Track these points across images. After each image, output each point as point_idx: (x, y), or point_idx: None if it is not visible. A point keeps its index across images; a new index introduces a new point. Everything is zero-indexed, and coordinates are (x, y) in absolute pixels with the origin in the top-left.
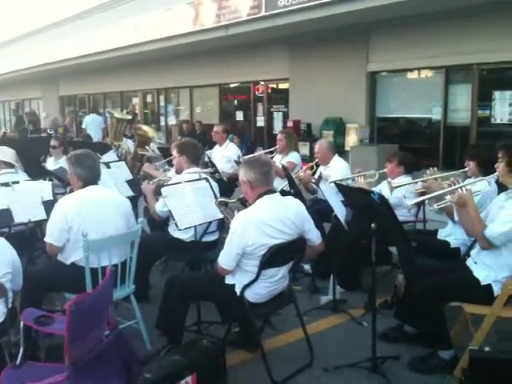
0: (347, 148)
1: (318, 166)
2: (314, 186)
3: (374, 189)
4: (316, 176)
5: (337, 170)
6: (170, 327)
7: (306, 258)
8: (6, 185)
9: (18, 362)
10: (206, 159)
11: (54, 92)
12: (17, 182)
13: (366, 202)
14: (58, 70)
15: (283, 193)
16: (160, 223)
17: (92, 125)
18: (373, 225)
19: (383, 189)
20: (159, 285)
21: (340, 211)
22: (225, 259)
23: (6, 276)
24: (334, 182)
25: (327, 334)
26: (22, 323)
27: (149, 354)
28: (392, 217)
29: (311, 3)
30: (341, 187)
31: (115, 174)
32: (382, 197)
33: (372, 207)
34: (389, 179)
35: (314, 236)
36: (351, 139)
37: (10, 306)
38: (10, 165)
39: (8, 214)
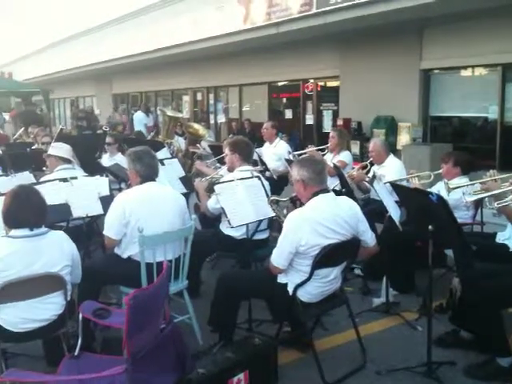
0: (399, 147)
1: (371, 164)
2: (367, 185)
3: (430, 190)
4: (370, 175)
5: (392, 169)
6: (221, 324)
7: (358, 258)
8: (65, 180)
9: (76, 353)
10: (256, 157)
11: (108, 90)
12: (75, 178)
13: (423, 203)
14: (112, 68)
15: (334, 192)
16: (211, 220)
17: (136, 122)
18: (430, 226)
19: (440, 190)
20: (209, 281)
21: (394, 212)
22: (278, 258)
23: (65, 269)
24: (390, 183)
25: (380, 337)
26: (80, 315)
27: (201, 349)
28: (451, 218)
29: (362, 0)
30: (397, 187)
31: (169, 171)
32: (440, 198)
33: (429, 208)
34: (445, 180)
35: (369, 237)
36: (403, 138)
37: (69, 298)
38: (67, 160)
39: (66, 209)
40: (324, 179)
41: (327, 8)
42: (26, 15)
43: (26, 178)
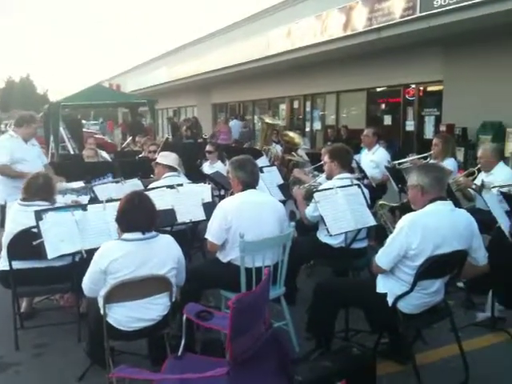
0: (507, 154)
1: (479, 171)
2: (473, 192)
3: None
4: (476, 182)
5: (501, 178)
6: (319, 332)
7: (463, 275)
8: (171, 187)
9: (179, 353)
10: (354, 164)
11: (207, 100)
12: (181, 185)
13: None
14: (211, 79)
15: None
16: (307, 227)
17: (233, 130)
18: None
19: None
20: (305, 288)
21: (504, 222)
22: (383, 258)
23: (171, 271)
24: (500, 191)
25: (483, 354)
26: (184, 317)
27: (298, 356)
28: None
29: (471, 2)
30: (507, 196)
31: (268, 179)
32: None
33: None
34: None
35: (481, 256)
36: None
37: (173, 299)
38: (173, 168)
39: (172, 214)
40: (444, 188)
41: (431, 11)
42: (130, 30)
43: (135, 184)
